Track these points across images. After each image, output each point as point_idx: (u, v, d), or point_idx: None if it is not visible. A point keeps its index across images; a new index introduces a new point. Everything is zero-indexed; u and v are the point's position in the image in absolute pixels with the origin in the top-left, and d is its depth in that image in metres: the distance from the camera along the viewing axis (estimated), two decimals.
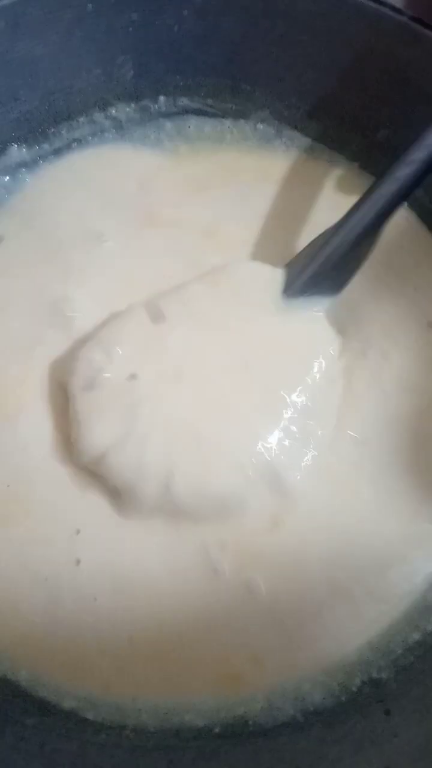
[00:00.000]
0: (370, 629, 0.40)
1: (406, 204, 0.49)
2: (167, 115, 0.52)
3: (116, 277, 0.47)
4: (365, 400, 0.44)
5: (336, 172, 0.51)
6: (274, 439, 0.41)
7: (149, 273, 0.47)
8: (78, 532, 0.41)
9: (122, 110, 0.52)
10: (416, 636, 0.40)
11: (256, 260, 0.48)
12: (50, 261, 0.47)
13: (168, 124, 0.52)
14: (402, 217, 0.49)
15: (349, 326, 0.46)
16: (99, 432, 0.41)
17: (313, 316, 0.45)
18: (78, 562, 0.41)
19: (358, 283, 0.45)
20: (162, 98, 0.52)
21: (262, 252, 0.49)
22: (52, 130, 0.51)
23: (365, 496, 0.42)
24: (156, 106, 0.52)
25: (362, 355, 0.46)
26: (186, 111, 0.52)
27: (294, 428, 0.42)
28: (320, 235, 0.45)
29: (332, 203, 0.49)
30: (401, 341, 0.46)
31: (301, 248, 0.47)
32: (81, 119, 0.51)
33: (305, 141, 0.52)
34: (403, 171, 0.42)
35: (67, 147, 0.52)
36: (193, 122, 0.52)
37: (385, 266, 0.48)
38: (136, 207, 0.50)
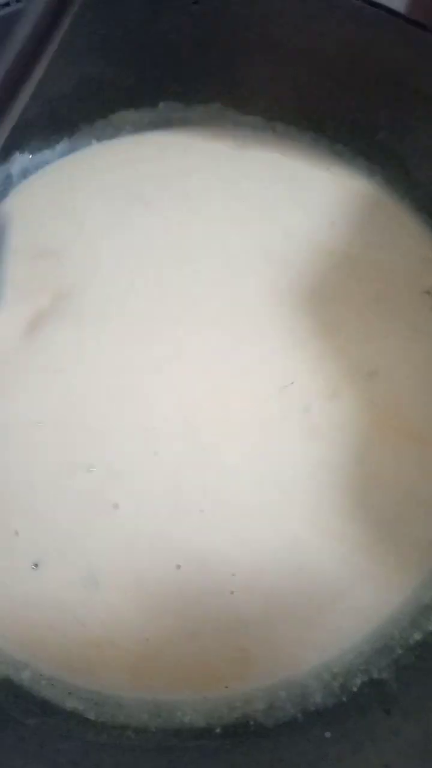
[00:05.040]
0: (370, 629, 0.40)
1: None
2: (167, 121, 0.53)
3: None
4: None
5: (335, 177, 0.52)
6: None
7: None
8: None
9: (123, 117, 0.52)
10: (417, 636, 0.40)
11: None
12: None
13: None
14: None
15: None
16: None
17: None
18: None
19: None
20: (162, 104, 0.52)
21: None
22: (54, 137, 0.52)
23: None
24: (156, 112, 0.53)
25: None
26: (185, 116, 0.53)
27: None
28: None
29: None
30: None
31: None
32: (82, 126, 0.52)
33: (303, 145, 0.52)
34: None
35: (69, 154, 0.52)
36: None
37: None
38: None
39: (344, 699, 0.39)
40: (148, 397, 0.44)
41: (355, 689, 0.39)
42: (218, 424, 0.43)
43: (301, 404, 0.44)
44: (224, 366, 0.45)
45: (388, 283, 0.47)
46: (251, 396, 0.44)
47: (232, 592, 0.40)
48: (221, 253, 0.48)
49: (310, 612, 0.40)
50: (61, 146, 0.52)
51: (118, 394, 0.44)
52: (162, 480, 0.42)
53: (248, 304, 0.46)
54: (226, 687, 0.39)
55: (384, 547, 0.41)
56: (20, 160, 0.51)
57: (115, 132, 0.52)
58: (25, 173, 0.51)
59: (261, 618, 0.40)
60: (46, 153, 0.51)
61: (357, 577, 0.40)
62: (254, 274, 0.47)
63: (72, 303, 0.46)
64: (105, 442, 0.43)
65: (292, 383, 0.44)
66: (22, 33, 0.33)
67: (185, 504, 0.41)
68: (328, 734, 0.37)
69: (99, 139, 0.52)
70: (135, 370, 0.44)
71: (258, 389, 0.44)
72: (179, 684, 0.39)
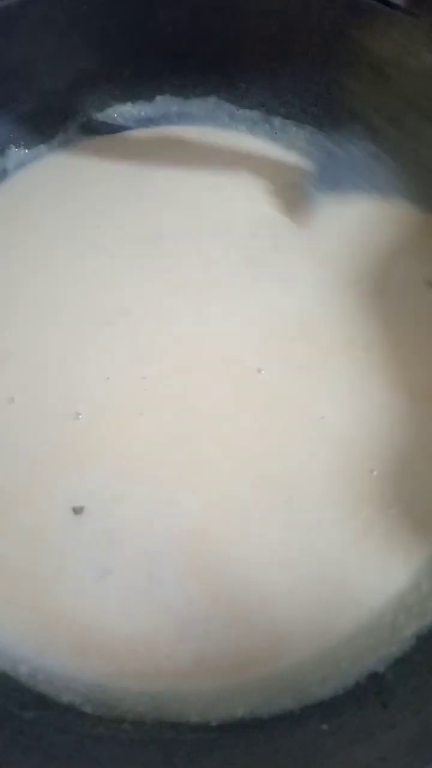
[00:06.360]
0: (367, 621, 0.40)
1: None
2: (164, 115, 0.53)
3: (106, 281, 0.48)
4: None
5: None
6: None
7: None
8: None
9: (119, 110, 0.52)
10: (414, 628, 0.40)
11: None
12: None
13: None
14: None
15: None
16: None
17: None
18: None
19: None
20: (159, 98, 0.52)
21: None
22: (50, 131, 0.52)
23: None
24: (152, 106, 0.53)
25: None
26: (182, 110, 0.53)
27: None
28: None
29: None
30: None
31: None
32: (79, 120, 0.52)
33: (302, 135, 0.52)
34: None
35: (65, 148, 0.52)
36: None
37: None
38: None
39: (341, 691, 0.39)
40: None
41: (351, 682, 0.39)
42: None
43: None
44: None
45: (389, 272, 0.47)
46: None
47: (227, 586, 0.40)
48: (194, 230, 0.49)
49: (307, 604, 0.40)
50: (57, 140, 0.52)
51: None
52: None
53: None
54: (223, 680, 0.39)
55: (382, 536, 0.41)
56: (16, 153, 0.51)
57: (112, 126, 0.52)
58: (21, 166, 0.51)
59: (257, 610, 0.40)
60: (42, 147, 0.51)
61: (353, 568, 0.40)
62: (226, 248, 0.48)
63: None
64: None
65: None
66: None
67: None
68: (324, 726, 0.37)
69: (96, 132, 0.52)
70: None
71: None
72: (176, 677, 0.39)
